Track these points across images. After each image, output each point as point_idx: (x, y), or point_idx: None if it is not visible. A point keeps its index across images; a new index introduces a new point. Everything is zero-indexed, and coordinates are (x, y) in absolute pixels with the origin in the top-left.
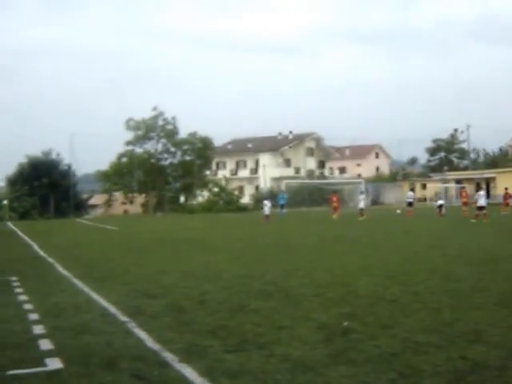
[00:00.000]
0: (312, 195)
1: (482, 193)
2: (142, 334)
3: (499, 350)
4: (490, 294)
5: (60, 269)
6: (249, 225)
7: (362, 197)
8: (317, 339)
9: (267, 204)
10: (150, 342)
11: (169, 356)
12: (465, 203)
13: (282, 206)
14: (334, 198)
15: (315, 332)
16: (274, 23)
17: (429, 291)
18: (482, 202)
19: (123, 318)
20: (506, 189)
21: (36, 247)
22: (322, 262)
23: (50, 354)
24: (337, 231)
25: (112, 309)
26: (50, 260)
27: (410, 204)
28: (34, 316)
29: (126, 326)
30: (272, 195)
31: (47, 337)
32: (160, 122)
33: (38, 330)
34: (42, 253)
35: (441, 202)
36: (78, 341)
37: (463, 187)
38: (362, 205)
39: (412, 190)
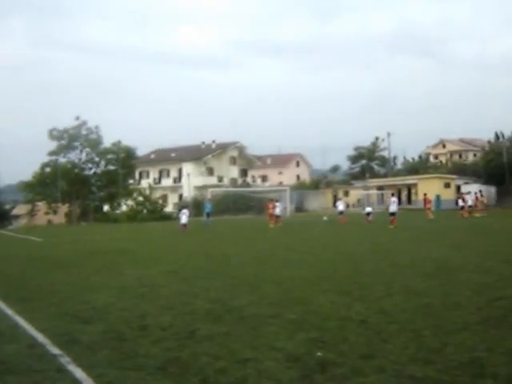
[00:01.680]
0: (236, 203)
1: (394, 199)
2: (79, 373)
3: None
4: (467, 311)
5: None
6: (175, 235)
7: (278, 204)
8: (291, 377)
9: (185, 213)
10: None
11: None
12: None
13: (208, 215)
14: (271, 205)
15: (286, 366)
16: (198, 36)
17: (397, 309)
18: (393, 208)
19: (54, 350)
20: (425, 194)
21: None
22: (265, 273)
23: None
24: (271, 240)
25: (40, 338)
26: None
27: (341, 212)
28: None
29: (59, 362)
30: (196, 203)
31: None
32: (83, 132)
33: None
34: None
35: (368, 209)
36: None
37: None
38: (277, 212)
39: (339, 199)
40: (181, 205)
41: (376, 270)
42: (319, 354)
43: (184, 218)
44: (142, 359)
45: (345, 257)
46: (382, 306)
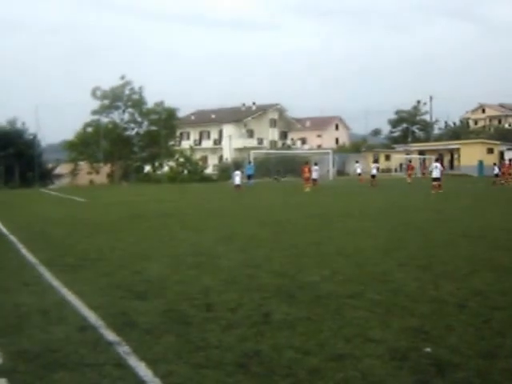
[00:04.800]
0: (277, 166)
1: (437, 164)
2: (142, 369)
3: None
4: None
5: (24, 251)
6: (221, 196)
7: (316, 167)
8: (404, 381)
9: (238, 174)
10: None
11: None
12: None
13: (250, 177)
14: (306, 169)
15: (394, 366)
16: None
17: (494, 290)
18: (436, 173)
19: (110, 336)
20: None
21: None
22: (327, 243)
23: None
24: (322, 205)
25: (92, 318)
26: (12, 238)
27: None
28: None
29: (117, 352)
30: (236, 165)
31: (4, 375)
32: (127, 92)
33: None
34: (3, 229)
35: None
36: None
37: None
38: (315, 175)
39: (376, 161)
40: (221, 167)
41: (447, 240)
42: (428, 349)
43: (237, 179)
44: (216, 352)
45: (406, 225)
46: (474, 286)
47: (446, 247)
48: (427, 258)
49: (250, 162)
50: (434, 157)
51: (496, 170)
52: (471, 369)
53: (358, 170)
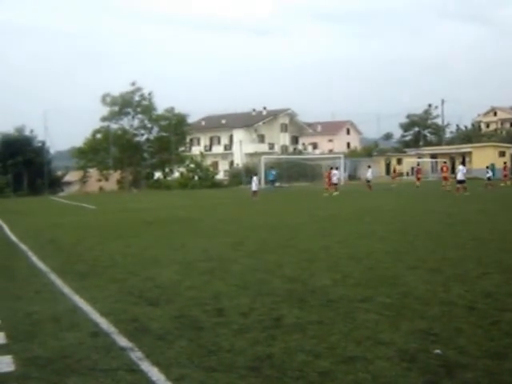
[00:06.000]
0: (289, 171)
1: (461, 167)
2: (155, 374)
3: None
4: None
5: (34, 259)
6: (233, 202)
7: (336, 172)
8: (414, 383)
9: (255, 180)
10: None
11: None
12: (445, 178)
13: (273, 182)
14: (327, 173)
15: (404, 368)
16: (251, 3)
17: (503, 292)
18: (460, 176)
19: (122, 342)
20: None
21: (6, 229)
22: (338, 247)
23: None
24: (332, 209)
25: (104, 324)
26: (23, 247)
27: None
28: None
29: (129, 358)
30: (247, 171)
31: (17, 381)
32: (136, 98)
33: (3, 366)
34: (13, 237)
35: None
36: None
37: (445, 162)
38: (335, 180)
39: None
40: (232, 172)
41: (458, 243)
42: (438, 351)
43: (254, 185)
44: (228, 355)
45: (417, 227)
46: (484, 288)
47: (456, 250)
48: (438, 260)
49: (272, 168)
50: (443, 160)
51: (489, 174)
52: (480, 369)
53: (369, 176)
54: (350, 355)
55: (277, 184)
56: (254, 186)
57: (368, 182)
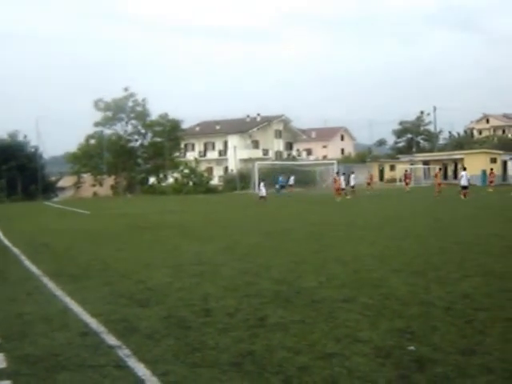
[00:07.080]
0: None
1: (463, 173)
2: (141, 369)
3: None
4: None
5: (27, 262)
6: (227, 207)
7: (342, 177)
8: (387, 377)
9: (262, 188)
10: None
11: None
12: (439, 184)
13: (282, 187)
14: (337, 179)
15: (378, 363)
16: (244, 9)
17: (480, 293)
18: (463, 181)
19: (111, 340)
20: (406, 171)
21: (0, 234)
22: (326, 251)
23: None
24: (323, 214)
25: (94, 324)
26: (15, 251)
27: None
28: None
29: (117, 355)
30: (241, 176)
31: (8, 377)
32: (130, 104)
33: None
34: (6, 241)
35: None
36: None
37: (440, 169)
38: (352, 183)
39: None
40: (226, 178)
41: (442, 247)
42: (412, 347)
43: (263, 190)
44: (212, 352)
45: (406, 232)
46: (463, 290)
47: (440, 254)
48: (422, 264)
49: (282, 173)
50: (437, 167)
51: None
52: (450, 364)
53: (352, 182)
54: (328, 352)
55: (283, 191)
56: (263, 192)
57: (352, 187)
